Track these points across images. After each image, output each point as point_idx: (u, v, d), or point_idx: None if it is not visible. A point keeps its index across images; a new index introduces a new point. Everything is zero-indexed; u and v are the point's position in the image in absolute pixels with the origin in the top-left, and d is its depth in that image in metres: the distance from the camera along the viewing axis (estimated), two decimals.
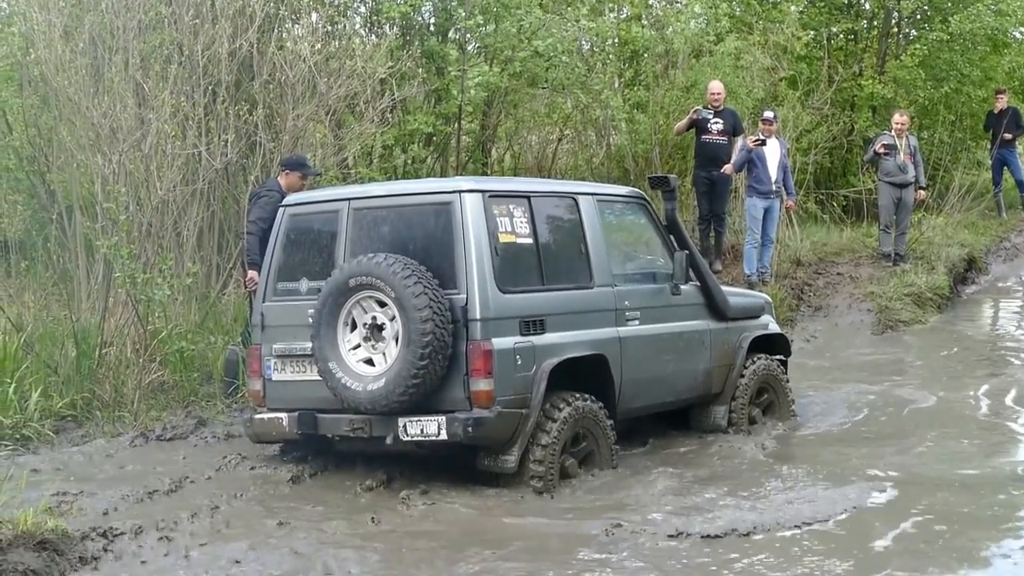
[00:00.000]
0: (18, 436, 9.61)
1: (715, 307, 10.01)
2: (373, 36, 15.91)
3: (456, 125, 16.06)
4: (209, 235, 12.95)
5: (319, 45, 13.69)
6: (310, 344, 8.30)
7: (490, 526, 7.63)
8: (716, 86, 15.61)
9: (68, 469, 8.96)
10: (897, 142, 16.05)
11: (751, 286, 14.41)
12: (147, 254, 11.87)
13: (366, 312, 8.20)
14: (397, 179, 14.09)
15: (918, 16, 21.34)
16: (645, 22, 18.82)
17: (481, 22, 15.41)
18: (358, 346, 8.23)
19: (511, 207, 8.49)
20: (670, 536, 7.28)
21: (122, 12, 12.91)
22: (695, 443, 9.80)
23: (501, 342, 8.05)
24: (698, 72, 17.42)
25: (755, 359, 10.31)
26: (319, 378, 8.29)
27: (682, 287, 9.66)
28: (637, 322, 9.17)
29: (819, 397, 11.51)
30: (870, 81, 20.08)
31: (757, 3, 19.64)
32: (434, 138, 15.77)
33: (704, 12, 18.19)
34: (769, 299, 11.28)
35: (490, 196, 8.35)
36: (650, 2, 19.79)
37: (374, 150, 14.74)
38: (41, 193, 14.05)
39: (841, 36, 21.82)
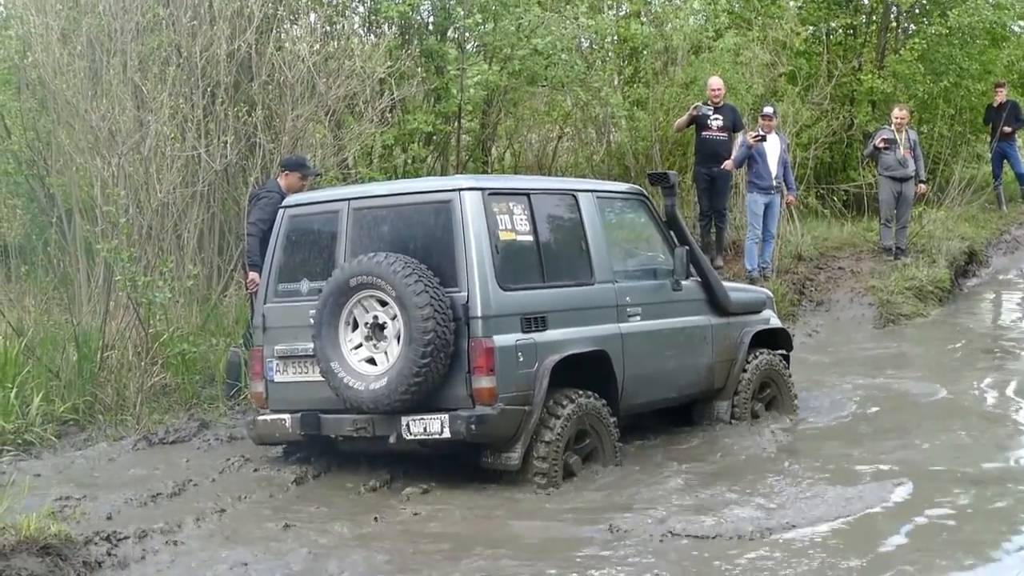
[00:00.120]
0: (20, 441, 9.59)
1: (716, 302, 10.00)
2: (372, 36, 15.87)
3: (456, 124, 16.04)
4: (209, 237, 12.93)
5: (318, 45, 13.66)
6: (312, 345, 8.29)
7: (494, 525, 7.61)
8: (716, 82, 15.60)
9: (71, 473, 8.95)
10: (897, 136, 16.05)
11: (752, 281, 14.41)
12: (147, 257, 11.86)
13: (367, 311, 8.19)
14: (397, 179, 14.06)
15: (916, 10, 21.29)
16: (644, 19, 18.82)
17: (480, 21, 15.39)
18: (360, 345, 8.22)
19: (511, 205, 8.49)
20: (675, 535, 7.24)
21: (120, 14, 12.90)
22: (698, 439, 9.78)
23: (503, 339, 8.04)
24: (697, 68, 17.42)
25: (757, 354, 10.30)
26: (321, 379, 8.28)
27: (683, 283, 9.67)
28: (639, 318, 9.16)
29: (822, 392, 11.49)
30: (869, 76, 20.06)
31: None
32: (434, 137, 15.76)
33: (703, 8, 18.20)
34: (770, 294, 11.28)
35: (490, 194, 8.35)
36: None
37: (374, 150, 14.73)
38: (40, 197, 14.03)
39: (840, 31, 21.78)
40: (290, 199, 9.28)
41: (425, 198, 8.47)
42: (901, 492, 8.13)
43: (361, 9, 16.19)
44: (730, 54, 17.40)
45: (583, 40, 18.09)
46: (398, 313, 8.00)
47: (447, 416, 7.96)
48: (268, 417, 8.65)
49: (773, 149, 14.99)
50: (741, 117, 15.86)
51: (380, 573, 6.83)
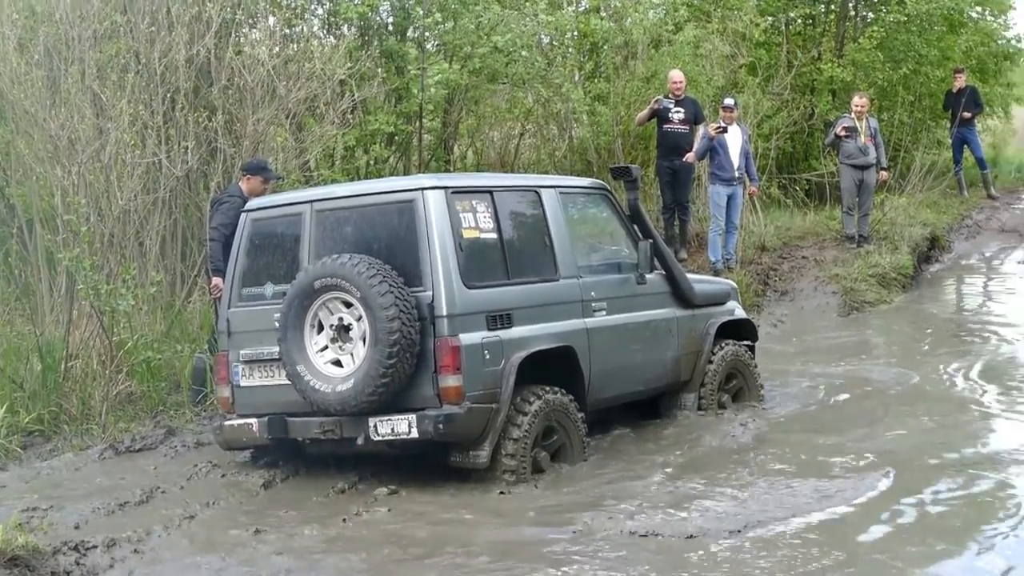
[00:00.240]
0: None
1: (681, 295, 10.03)
2: (331, 37, 15.85)
3: (418, 124, 16.03)
4: (172, 243, 12.87)
5: (277, 48, 13.63)
6: (277, 348, 8.27)
7: (464, 524, 7.59)
8: (676, 75, 15.65)
9: (37, 484, 8.90)
10: (857, 124, 16.14)
11: (716, 273, 14.44)
12: (110, 265, 11.78)
13: (332, 313, 8.18)
14: (360, 180, 14.03)
15: None
16: (604, 14, 18.82)
17: (439, 20, 15.38)
18: (325, 348, 8.21)
19: (474, 203, 8.49)
20: (646, 531, 7.20)
21: (77, 22, 12.84)
22: (667, 432, 9.75)
23: (469, 337, 8.05)
24: (658, 62, 17.46)
25: (723, 345, 10.33)
26: (288, 382, 8.26)
27: (648, 276, 9.70)
28: (604, 313, 9.18)
29: (788, 381, 11.51)
30: (829, 65, 20.17)
31: None
32: (396, 137, 15.73)
33: (662, 2, 18.26)
34: (735, 285, 11.33)
35: (452, 192, 8.35)
36: None
37: (336, 152, 14.70)
38: (0, 207, 13.93)
39: (799, 21, 21.92)
40: (252, 203, 9.24)
41: (388, 198, 8.46)
42: (873, 481, 8.11)
43: (320, 11, 16.16)
44: (690, 47, 17.46)
45: (543, 36, 18.08)
46: (363, 314, 7.99)
47: (414, 416, 7.96)
48: (235, 422, 8.62)
49: (735, 140, 15.03)
50: (702, 109, 15.90)
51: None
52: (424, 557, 7.02)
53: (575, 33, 19.27)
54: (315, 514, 7.87)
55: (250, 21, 14.56)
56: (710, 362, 10.17)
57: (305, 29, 15.45)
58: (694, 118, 15.49)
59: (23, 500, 8.23)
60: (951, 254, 17.96)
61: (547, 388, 8.48)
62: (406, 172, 15.72)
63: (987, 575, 6.44)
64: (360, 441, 8.10)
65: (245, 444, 8.75)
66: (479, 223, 8.47)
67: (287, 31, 14.62)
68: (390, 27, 16.24)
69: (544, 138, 19.36)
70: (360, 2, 14.86)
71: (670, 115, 15.37)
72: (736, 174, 15.04)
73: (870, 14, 21.94)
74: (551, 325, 8.69)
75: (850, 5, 21.79)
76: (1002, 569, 6.46)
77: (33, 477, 9.12)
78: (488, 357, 8.12)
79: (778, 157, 19.22)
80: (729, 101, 15.31)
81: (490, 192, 8.70)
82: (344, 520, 7.67)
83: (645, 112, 15.71)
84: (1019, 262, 17.41)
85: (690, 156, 15.16)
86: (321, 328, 8.22)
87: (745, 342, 10.69)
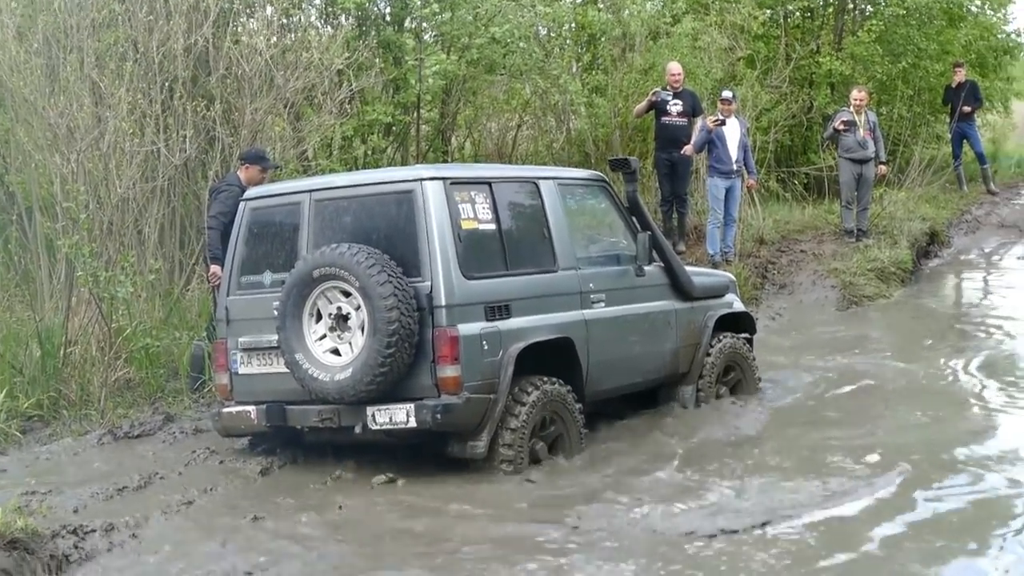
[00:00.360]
0: None
1: (680, 287, 10.03)
2: (329, 27, 15.84)
3: (415, 114, 16.03)
4: (170, 231, 12.90)
5: (275, 38, 13.64)
6: (276, 336, 8.27)
7: (460, 513, 7.61)
8: (674, 67, 15.64)
9: (36, 468, 8.91)
10: (856, 118, 16.13)
11: (715, 266, 14.46)
12: (109, 252, 11.81)
13: (331, 303, 8.18)
14: (358, 170, 14.04)
15: None
16: (601, 5, 18.83)
17: (437, 10, 15.38)
18: (324, 337, 8.21)
19: (473, 193, 8.49)
20: (643, 526, 7.18)
21: (75, 11, 12.86)
22: (664, 425, 9.72)
23: (467, 328, 8.05)
24: (656, 54, 17.45)
25: (721, 338, 10.34)
26: (286, 370, 8.26)
27: (646, 268, 9.69)
28: (602, 304, 9.18)
29: (786, 375, 11.47)
30: (828, 58, 20.18)
31: None
32: (393, 128, 15.74)
33: None
34: (733, 278, 11.32)
35: (451, 183, 8.35)
36: None
37: (334, 142, 14.70)
38: (0, 195, 13.94)
39: (797, 14, 21.91)
40: (251, 191, 9.24)
41: (387, 188, 8.45)
42: (876, 478, 8.02)
43: (317, 1, 16.15)
44: (688, 39, 17.44)
45: (540, 28, 18.08)
46: (362, 304, 7.99)
47: (413, 406, 7.97)
48: (233, 409, 8.62)
49: (733, 133, 15.03)
50: (700, 102, 15.91)
51: (349, 564, 6.82)
52: (420, 545, 7.03)
53: (573, 25, 19.26)
54: (313, 501, 7.89)
55: (248, 10, 14.56)
56: (708, 354, 10.17)
57: (303, 19, 15.46)
58: (692, 110, 15.49)
59: (22, 484, 8.24)
60: (950, 249, 17.94)
61: (545, 379, 8.48)
62: (404, 163, 15.72)
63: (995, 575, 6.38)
64: (358, 430, 8.11)
65: (243, 431, 8.76)
66: (478, 214, 8.46)
67: (284, 21, 14.63)
68: (387, 17, 16.25)
69: (542, 130, 19.35)
70: None
71: (668, 107, 15.38)
72: (734, 167, 15.03)
73: (869, 7, 21.93)
74: (549, 316, 8.69)
75: None
76: (1009, 568, 6.38)
77: (32, 461, 9.13)
78: (486, 348, 8.13)
79: (776, 150, 19.24)
80: (727, 94, 15.30)
81: (489, 183, 8.70)
82: (340, 508, 7.69)
83: (643, 104, 15.71)
84: (1019, 257, 17.38)
85: (688, 148, 15.16)
86: (320, 317, 8.22)
87: (744, 335, 10.70)
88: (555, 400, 8.53)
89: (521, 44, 16.20)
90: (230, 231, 9.14)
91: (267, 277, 8.68)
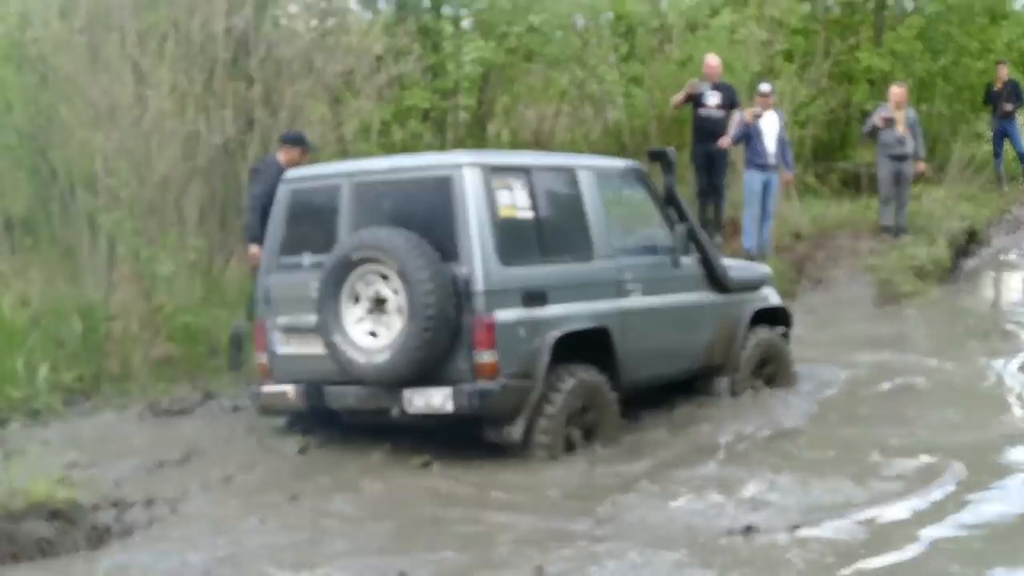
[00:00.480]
0: (28, 409, 9.68)
1: (716, 279, 10.02)
2: (368, 12, 15.91)
3: (453, 101, 16.07)
4: (211, 211, 12.96)
5: (314, 22, 13.70)
6: (314, 318, 8.34)
7: (494, 498, 7.66)
8: (712, 60, 15.60)
9: (78, 441, 9.01)
10: (895, 115, 16.05)
11: (751, 259, 14.40)
12: (149, 231, 11.89)
13: (369, 286, 8.22)
14: (396, 155, 14.09)
15: None
16: None
17: None
18: (362, 319, 8.26)
19: (511, 180, 8.51)
20: (678, 518, 7.11)
21: None
22: (702, 417, 9.65)
23: (504, 315, 8.09)
24: (693, 46, 17.43)
25: (757, 331, 10.33)
26: (324, 351, 8.31)
27: (682, 259, 9.69)
28: (638, 294, 9.19)
29: (822, 370, 11.34)
30: (867, 54, 20.05)
31: None
32: (431, 114, 15.79)
33: None
34: (770, 271, 11.28)
35: (490, 170, 8.37)
36: None
37: (372, 126, 14.76)
38: (43, 171, 14.05)
39: (837, 8, 21.78)
40: (292, 173, 9.28)
41: (426, 173, 8.51)
42: (917, 477, 7.79)
43: None
44: (726, 32, 17.40)
45: (577, 19, 18.08)
46: (400, 287, 8.04)
47: (450, 390, 8.02)
48: (272, 388, 8.68)
49: (770, 127, 15.01)
50: (738, 95, 15.88)
51: (386, 545, 6.85)
52: (454, 529, 7.07)
53: (611, 15, 19.26)
54: (349, 481, 7.95)
55: None
56: (744, 347, 10.17)
57: (342, 3, 15.49)
58: (730, 103, 15.46)
59: (64, 456, 8.33)
60: (990, 248, 17.68)
61: (581, 367, 8.51)
62: (441, 149, 15.76)
63: None
64: (395, 413, 8.17)
65: (281, 410, 8.84)
66: (515, 201, 8.48)
67: (324, 5, 14.67)
68: (426, 3, 16.28)
69: (579, 119, 19.36)
70: None
71: (705, 99, 15.35)
72: (772, 160, 15.00)
73: (910, 3, 21.80)
74: (585, 305, 8.70)
75: None
76: None
77: (74, 434, 9.24)
78: (523, 335, 8.17)
79: (814, 145, 19.16)
80: (765, 87, 15.27)
81: (527, 170, 8.72)
82: (378, 490, 7.74)
83: (681, 95, 15.67)
84: None
85: (724, 140, 15.13)
86: (358, 299, 8.27)
87: (780, 329, 10.69)
88: (591, 388, 8.56)
89: (559, 33, 16.18)
90: (269, 212, 9.19)
91: (306, 258, 8.71)
